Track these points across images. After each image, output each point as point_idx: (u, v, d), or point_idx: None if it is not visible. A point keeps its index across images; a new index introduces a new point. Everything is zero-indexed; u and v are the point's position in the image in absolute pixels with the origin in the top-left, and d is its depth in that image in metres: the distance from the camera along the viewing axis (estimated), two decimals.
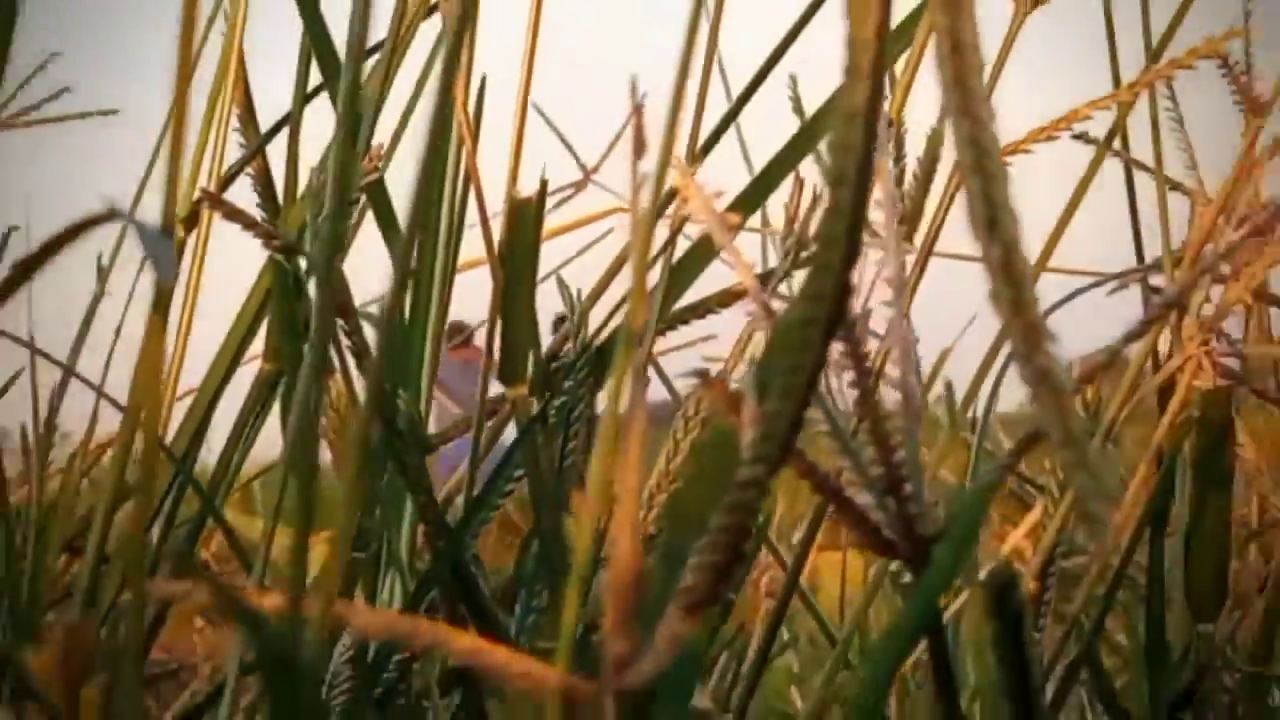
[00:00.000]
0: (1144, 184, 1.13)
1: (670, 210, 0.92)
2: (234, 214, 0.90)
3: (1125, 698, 1.13)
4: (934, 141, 0.92)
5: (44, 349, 1.17)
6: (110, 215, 0.57)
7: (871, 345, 0.68)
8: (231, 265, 1.01)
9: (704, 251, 0.94)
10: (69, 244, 0.59)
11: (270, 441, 1.10)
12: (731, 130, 1.03)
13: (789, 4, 1.00)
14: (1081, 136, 1.03)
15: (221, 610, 0.71)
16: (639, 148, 0.75)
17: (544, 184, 0.99)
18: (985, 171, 0.50)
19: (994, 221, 0.50)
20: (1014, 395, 1.11)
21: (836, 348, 0.63)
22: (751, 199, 0.95)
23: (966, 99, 0.51)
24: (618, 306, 1.00)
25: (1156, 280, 1.10)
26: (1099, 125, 1.05)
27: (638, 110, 0.82)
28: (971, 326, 1.06)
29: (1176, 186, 1.11)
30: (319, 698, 0.64)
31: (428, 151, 0.89)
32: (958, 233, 0.94)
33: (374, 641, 0.82)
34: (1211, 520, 1.04)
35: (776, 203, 0.99)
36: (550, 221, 1.09)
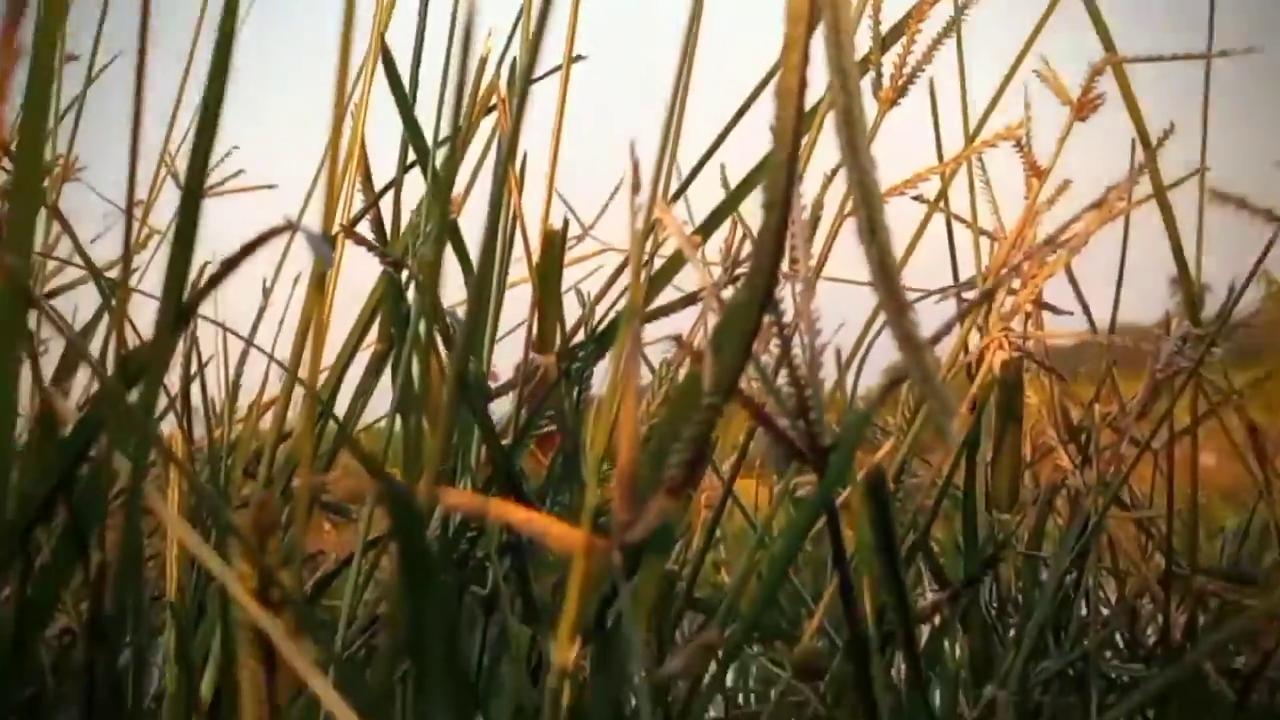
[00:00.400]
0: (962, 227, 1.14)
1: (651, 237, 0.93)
2: (361, 240, 0.91)
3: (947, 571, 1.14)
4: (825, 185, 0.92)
5: (232, 328, 1.18)
6: (288, 226, 0.58)
7: (787, 320, 0.68)
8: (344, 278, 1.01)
9: (674, 264, 0.94)
10: (257, 248, 0.59)
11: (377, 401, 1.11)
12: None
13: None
14: (919, 198, 1.04)
15: (378, 487, 0.72)
16: (636, 187, 0.75)
17: (565, 224, 1.00)
18: (869, 203, 0.51)
19: (874, 233, 0.50)
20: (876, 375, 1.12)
21: (766, 320, 0.64)
22: (708, 228, 0.95)
23: (857, 155, 0.51)
24: (612, 306, 1.01)
25: (969, 293, 1.11)
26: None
27: (635, 166, 0.83)
28: (857, 309, 1.06)
29: (984, 232, 1.12)
30: (429, 549, 0.65)
31: (491, 202, 0.90)
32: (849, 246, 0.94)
33: (455, 519, 0.82)
34: (1008, 447, 1.05)
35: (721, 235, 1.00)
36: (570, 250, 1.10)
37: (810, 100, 0.59)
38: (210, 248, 0.67)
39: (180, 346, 1.08)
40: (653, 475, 0.61)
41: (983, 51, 0.99)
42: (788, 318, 0.65)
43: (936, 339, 0.98)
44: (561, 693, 0.65)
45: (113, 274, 1.09)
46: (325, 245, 0.66)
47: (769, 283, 0.61)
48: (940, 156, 1.05)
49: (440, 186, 0.92)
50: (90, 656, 0.70)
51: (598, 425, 0.68)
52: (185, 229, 0.63)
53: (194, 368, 1.19)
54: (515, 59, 0.94)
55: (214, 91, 0.66)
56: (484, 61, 0.95)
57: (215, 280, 0.63)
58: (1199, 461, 1.25)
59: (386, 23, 0.93)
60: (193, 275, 0.66)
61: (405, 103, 0.92)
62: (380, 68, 0.94)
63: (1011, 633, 1.16)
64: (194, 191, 0.64)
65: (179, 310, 0.63)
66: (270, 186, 1.58)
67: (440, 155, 0.93)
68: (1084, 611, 1.26)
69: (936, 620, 1.02)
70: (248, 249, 0.58)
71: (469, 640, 0.85)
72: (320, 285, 0.71)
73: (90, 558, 0.67)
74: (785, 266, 0.67)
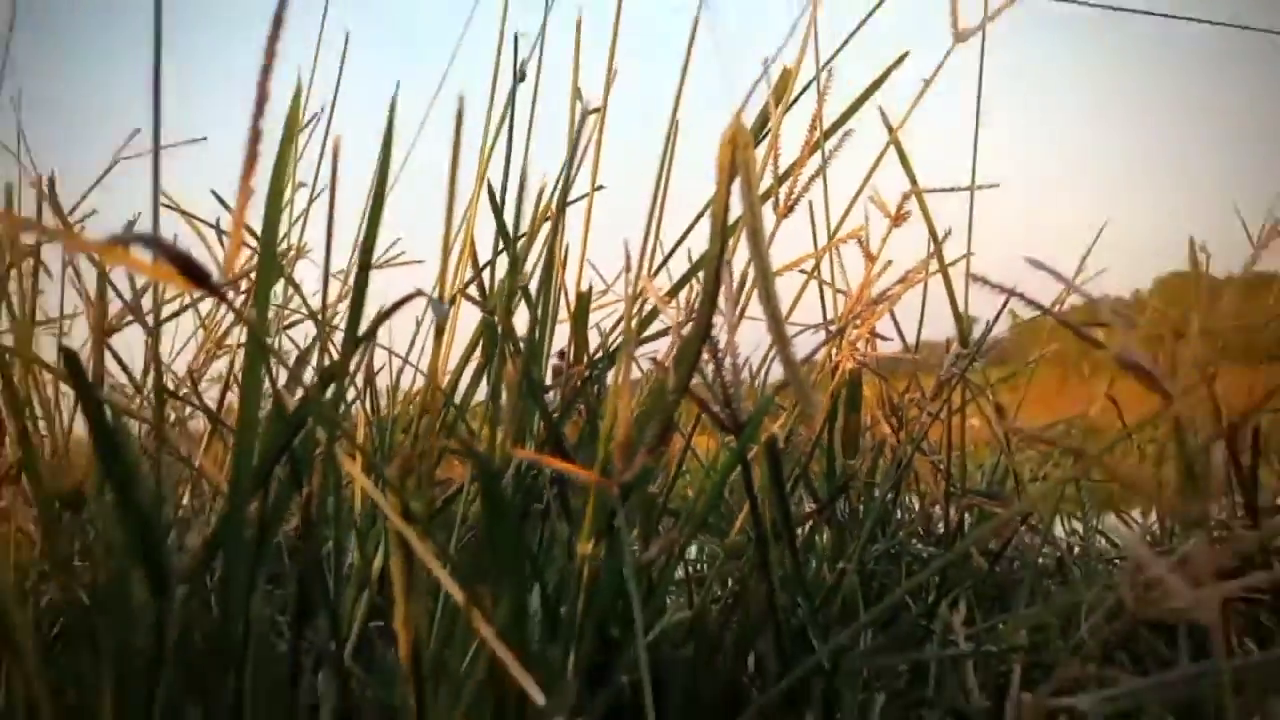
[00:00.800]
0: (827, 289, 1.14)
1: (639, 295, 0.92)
2: (469, 298, 0.90)
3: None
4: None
5: (394, 349, 1.16)
6: (419, 293, 0.57)
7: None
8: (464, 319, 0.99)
9: (654, 312, 0.92)
10: (402, 306, 0.59)
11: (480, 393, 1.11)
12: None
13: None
14: (802, 271, 1.03)
15: (464, 451, 0.72)
16: (628, 268, 0.75)
17: (590, 288, 0.99)
18: (765, 278, 0.51)
19: (768, 297, 0.50)
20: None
21: (705, 347, 0.64)
22: (674, 291, 0.94)
23: (759, 252, 0.51)
24: (618, 337, 1.00)
25: (831, 328, 1.10)
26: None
27: (628, 257, 0.83)
28: (764, 338, 1.05)
29: (840, 291, 1.11)
30: (500, 484, 0.64)
31: (543, 276, 0.90)
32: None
33: (525, 465, 0.81)
34: (852, 420, 1.04)
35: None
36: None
37: (734, 216, 0.59)
38: (380, 299, 0.67)
39: (364, 362, 1.06)
40: (639, 440, 0.61)
41: (845, 174, 0.98)
42: (721, 345, 0.65)
43: (807, 358, 0.98)
44: (584, 568, 0.65)
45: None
46: (441, 306, 0.66)
47: (708, 324, 0.61)
48: (815, 245, 1.04)
49: (516, 265, 0.91)
50: (306, 546, 0.70)
51: (607, 409, 0.67)
52: (360, 287, 0.63)
53: (374, 370, 1.18)
54: (559, 188, 0.93)
55: (376, 208, 0.66)
56: (542, 190, 0.95)
57: (380, 319, 0.63)
58: (967, 425, 1.25)
59: (486, 166, 0.92)
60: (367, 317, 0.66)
61: (499, 216, 0.91)
62: (484, 193, 0.93)
63: (856, 529, 1.15)
64: (365, 265, 0.64)
65: (355, 340, 0.63)
66: (419, 262, 1.57)
67: (517, 245, 0.92)
68: (899, 516, 1.27)
69: (810, 523, 1.02)
70: (396, 305, 0.57)
71: (532, 536, 0.84)
72: (440, 330, 0.71)
73: (304, 488, 0.67)
74: (719, 314, 0.67)
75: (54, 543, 0.64)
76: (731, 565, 0.95)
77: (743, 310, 0.83)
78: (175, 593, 0.58)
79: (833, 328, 1.07)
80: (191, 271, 0.36)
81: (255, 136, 0.38)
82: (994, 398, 1.30)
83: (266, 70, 0.43)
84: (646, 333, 0.94)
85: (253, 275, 0.96)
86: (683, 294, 0.95)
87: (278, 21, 0.43)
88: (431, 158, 0.88)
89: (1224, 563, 0.62)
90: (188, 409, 1.24)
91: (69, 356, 0.54)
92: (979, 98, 0.99)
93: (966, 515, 1.22)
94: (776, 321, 0.50)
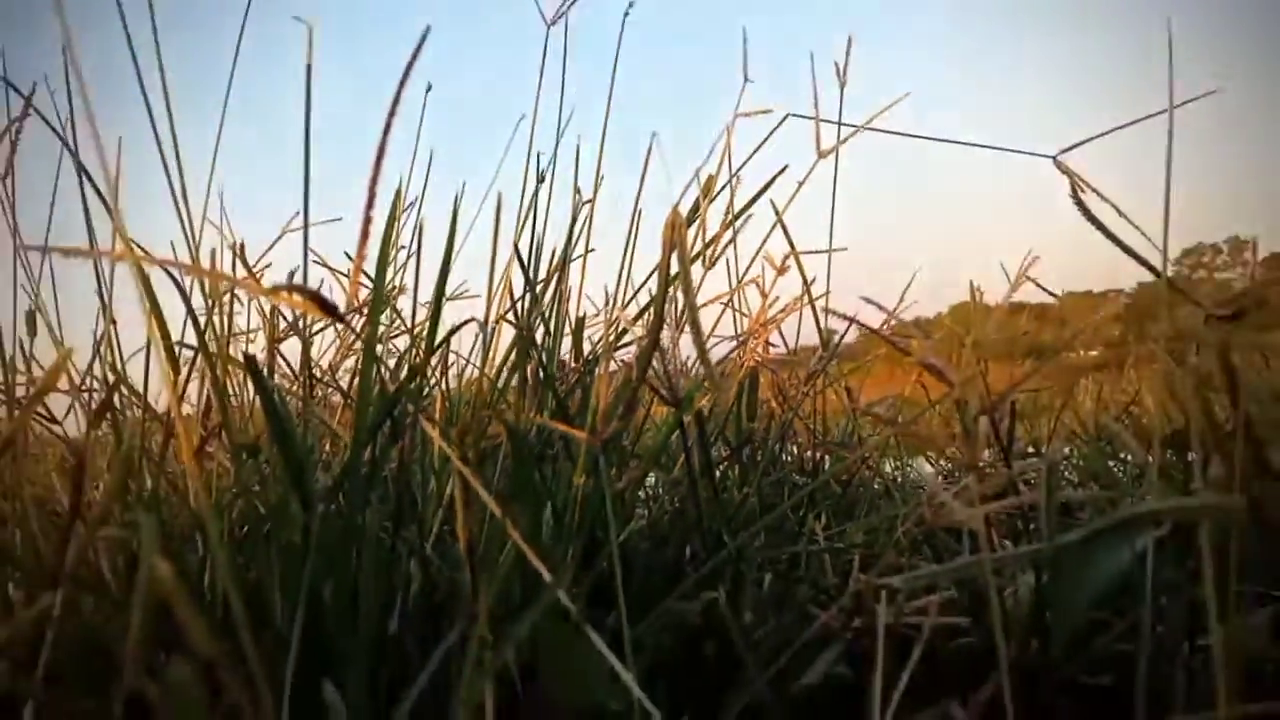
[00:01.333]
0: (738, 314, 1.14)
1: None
2: (508, 321, 0.89)
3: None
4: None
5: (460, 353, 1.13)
6: (473, 320, 0.58)
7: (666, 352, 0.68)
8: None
9: (624, 332, 0.92)
10: (462, 328, 0.59)
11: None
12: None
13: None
14: (721, 304, 1.04)
15: (501, 418, 0.73)
16: (608, 301, 0.75)
17: (584, 315, 0.98)
18: (693, 311, 0.51)
19: (693, 322, 0.51)
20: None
21: (656, 351, 0.64)
22: (637, 317, 0.93)
23: (689, 294, 0.52)
24: (600, 345, 0.99)
25: (740, 339, 1.09)
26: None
27: (607, 295, 0.83)
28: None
29: (745, 314, 1.10)
30: (524, 440, 0.64)
31: (554, 306, 0.90)
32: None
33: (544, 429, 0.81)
34: (752, 399, 1.04)
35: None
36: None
37: (675, 271, 0.60)
38: (451, 320, 0.67)
39: (441, 362, 1.05)
40: (613, 411, 0.61)
41: (748, 241, 0.98)
42: (667, 351, 0.65)
43: (724, 360, 0.98)
44: (579, 493, 0.65)
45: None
46: (488, 329, 0.66)
47: (656, 338, 0.61)
48: (730, 285, 1.05)
49: (537, 300, 0.91)
50: (400, 478, 0.70)
51: (594, 392, 0.68)
52: (435, 313, 0.63)
53: (447, 367, 1.17)
54: (564, 250, 0.93)
55: (445, 263, 0.66)
56: (554, 252, 0.95)
57: (449, 334, 0.63)
58: (828, 400, 1.26)
59: (519, 236, 0.92)
60: (443, 332, 0.66)
61: (524, 269, 0.91)
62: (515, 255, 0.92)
63: (754, 467, 1.15)
64: (439, 298, 0.64)
65: (432, 348, 0.63)
66: (476, 296, 1.57)
67: (537, 288, 0.92)
68: (784, 459, 1.27)
69: (725, 463, 1.02)
70: (458, 326, 0.58)
71: (546, 474, 0.84)
72: (487, 347, 0.70)
73: (400, 441, 0.67)
74: (665, 331, 0.68)
75: (241, 476, 0.64)
76: (675, 491, 0.96)
77: (681, 328, 0.83)
78: (317, 509, 0.58)
79: (740, 339, 1.08)
80: (324, 306, 0.37)
81: (367, 221, 0.38)
82: (845, 383, 1.31)
83: (374, 179, 0.44)
84: (620, 344, 0.95)
85: (368, 307, 0.96)
86: (643, 320, 0.95)
87: (381, 153, 0.44)
88: (483, 229, 0.88)
89: (988, 490, 0.64)
90: (328, 390, 1.24)
91: (249, 359, 0.54)
92: (834, 195, 1.00)
93: (827, 458, 1.23)
94: (698, 335, 0.51)
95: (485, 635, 0.50)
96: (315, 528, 0.57)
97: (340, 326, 1.21)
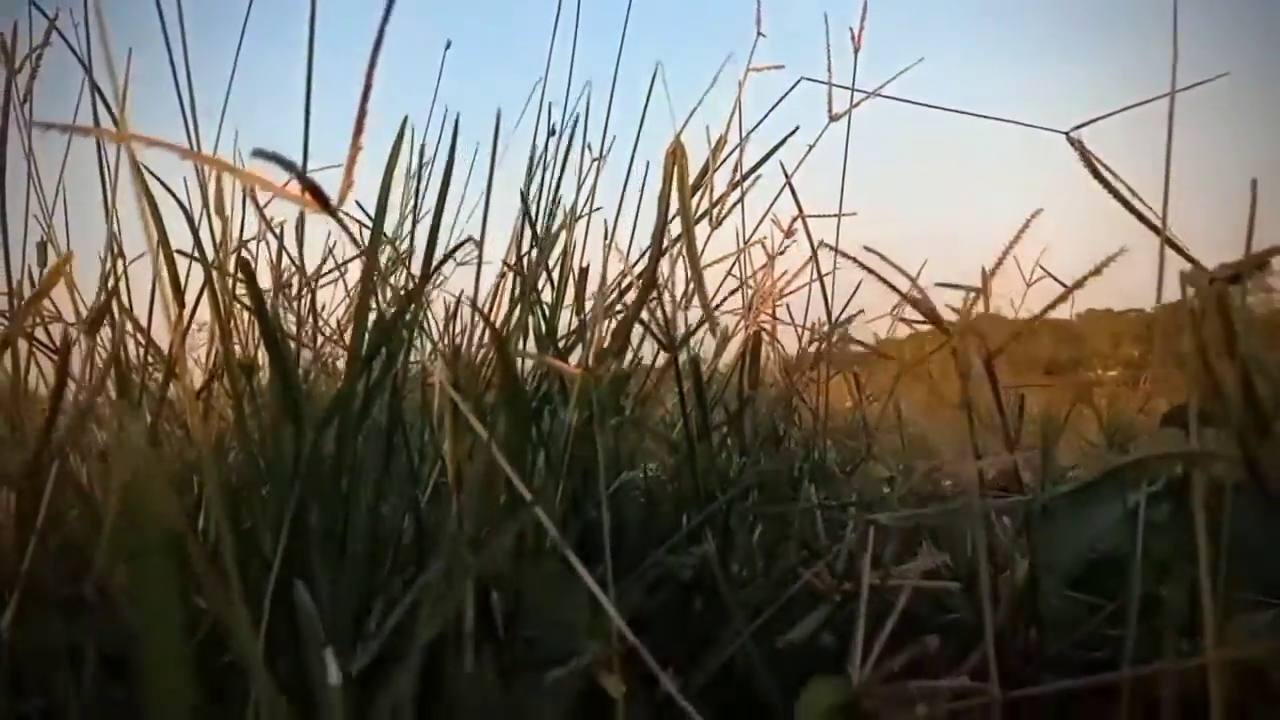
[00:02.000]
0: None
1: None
2: (514, 269, 0.88)
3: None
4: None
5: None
6: (470, 240, 0.57)
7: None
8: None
9: (623, 278, 0.90)
10: (458, 250, 0.58)
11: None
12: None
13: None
14: (727, 269, 1.02)
15: (500, 349, 0.72)
16: (607, 255, 0.74)
17: (588, 267, 0.97)
18: (694, 265, 0.50)
19: (698, 279, 0.49)
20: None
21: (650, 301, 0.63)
22: (636, 265, 0.91)
23: (687, 219, 0.50)
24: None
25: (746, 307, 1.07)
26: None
27: (605, 249, 0.82)
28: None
29: (748, 284, 1.08)
30: (520, 382, 0.64)
31: (560, 259, 0.89)
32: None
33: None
34: (754, 365, 1.01)
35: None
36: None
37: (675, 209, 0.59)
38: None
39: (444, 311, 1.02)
40: (608, 354, 0.61)
41: (755, 204, 0.96)
42: (664, 291, 0.65)
43: (727, 329, 0.96)
44: (571, 429, 0.65)
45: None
46: (476, 244, 0.65)
47: (654, 273, 0.60)
48: (738, 245, 1.03)
49: (544, 251, 0.89)
50: (390, 421, 0.69)
51: (591, 326, 0.66)
52: (431, 241, 0.63)
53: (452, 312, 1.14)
54: (573, 205, 0.91)
55: (440, 201, 0.64)
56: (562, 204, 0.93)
57: (444, 259, 0.62)
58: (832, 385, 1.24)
59: (528, 190, 0.90)
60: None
61: (532, 225, 0.89)
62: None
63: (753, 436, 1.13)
64: (435, 227, 0.63)
65: (427, 275, 0.61)
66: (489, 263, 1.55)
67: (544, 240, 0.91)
68: (782, 433, 1.25)
69: (725, 429, 1.01)
70: (456, 248, 0.57)
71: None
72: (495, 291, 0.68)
73: (397, 386, 0.66)
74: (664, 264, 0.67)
75: (240, 408, 0.63)
76: (673, 453, 0.94)
77: (677, 261, 0.81)
78: (308, 436, 0.58)
79: (747, 306, 1.07)
80: (316, 194, 0.36)
81: (362, 116, 0.37)
82: (854, 370, 1.28)
83: (366, 94, 0.43)
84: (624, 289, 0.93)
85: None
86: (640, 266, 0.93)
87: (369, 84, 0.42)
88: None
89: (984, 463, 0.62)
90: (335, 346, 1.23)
91: (243, 263, 0.53)
92: (845, 158, 0.97)
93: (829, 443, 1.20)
94: (701, 292, 0.50)
95: (466, 557, 0.49)
96: (304, 455, 0.56)
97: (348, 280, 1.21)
